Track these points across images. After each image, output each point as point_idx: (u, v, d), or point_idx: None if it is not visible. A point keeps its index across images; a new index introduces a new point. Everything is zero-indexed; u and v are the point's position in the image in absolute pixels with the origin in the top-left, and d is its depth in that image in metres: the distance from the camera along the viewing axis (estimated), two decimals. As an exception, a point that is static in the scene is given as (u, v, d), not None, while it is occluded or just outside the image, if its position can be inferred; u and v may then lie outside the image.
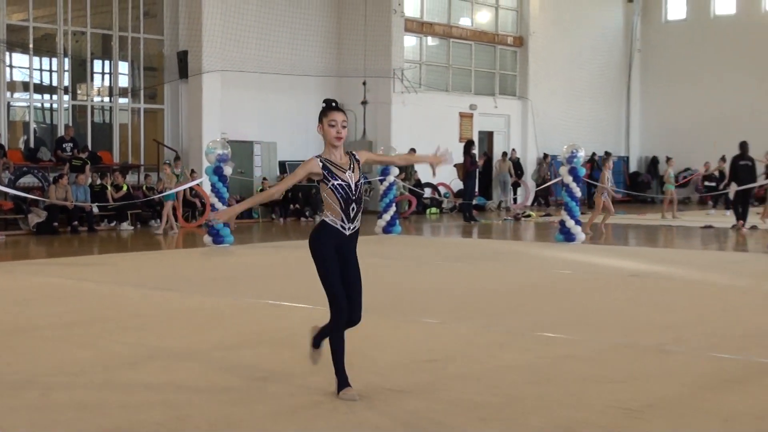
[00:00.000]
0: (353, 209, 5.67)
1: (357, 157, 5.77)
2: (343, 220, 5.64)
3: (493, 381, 6.17)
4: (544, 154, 32.30)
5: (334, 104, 5.69)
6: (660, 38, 37.55)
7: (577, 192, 17.34)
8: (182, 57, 24.13)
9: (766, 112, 34.13)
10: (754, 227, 20.34)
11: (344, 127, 5.63)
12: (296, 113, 26.83)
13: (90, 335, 7.90)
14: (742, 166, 21.12)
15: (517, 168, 30.51)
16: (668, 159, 26.42)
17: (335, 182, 5.60)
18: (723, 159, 26.26)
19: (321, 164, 5.61)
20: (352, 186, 5.65)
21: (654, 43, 37.66)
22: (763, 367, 6.62)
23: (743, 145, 21.29)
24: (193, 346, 7.42)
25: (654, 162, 37.15)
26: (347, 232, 5.68)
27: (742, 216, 20.43)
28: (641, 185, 35.74)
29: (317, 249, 5.67)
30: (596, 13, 36.33)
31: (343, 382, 5.64)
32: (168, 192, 19.92)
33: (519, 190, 31.16)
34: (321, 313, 8.92)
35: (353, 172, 5.68)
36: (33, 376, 6.32)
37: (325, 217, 5.68)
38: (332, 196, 5.61)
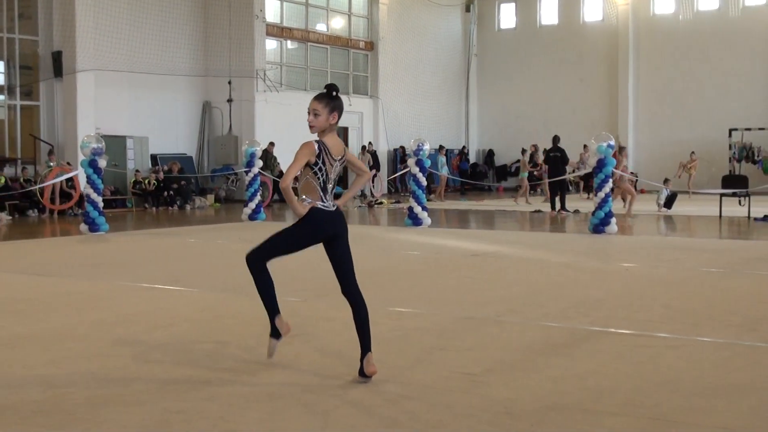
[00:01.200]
0: (330, 189, 5.40)
1: (346, 151, 5.55)
2: (321, 199, 5.35)
3: (350, 353, 6.16)
4: (363, 145, 32.36)
5: (326, 89, 5.38)
6: (494, 44, 38.34)
7: (423, 181, 17.56)
8: (56, 57, 23.30)
9: (584, 108, 35.46)
10: (576, 211, 20.96)
11: (316, 115, 5.32)
12: (167, 109, 26.29)
13: (-30, 320, 7.54)
14: (552, 158, 21.76)
15: (375, 159, 30.64)
16: (523, 150, 26.84)
17: (324, 166, 5.32)
18: (524, 151, 26.78)
19: (318, 149, 5.30)
20: (334, 172, 5.41)
21: (488, 48, 38.43)
22: (585, 333, 6.84)
23: (555, 139, 21.95)
24: (72, 327, 7.17)
25: (490, 154, 37.98)
26: (332, 208, 5.39)
27: (560, 203, 20.95)
28: (479, 175, 36.47)
29: (304, 223, 5.35)
30: (438, 21, 36.82)
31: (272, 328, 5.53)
32: None
33: (375, 180, 31.32)
34: (193, 296, 8.79)
35: (341, 163, 5.46)
36: None
37: (302, 200, 5.36)
38: (315, 177, 5.31)
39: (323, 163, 5.33)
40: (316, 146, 5.32)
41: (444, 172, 27.81)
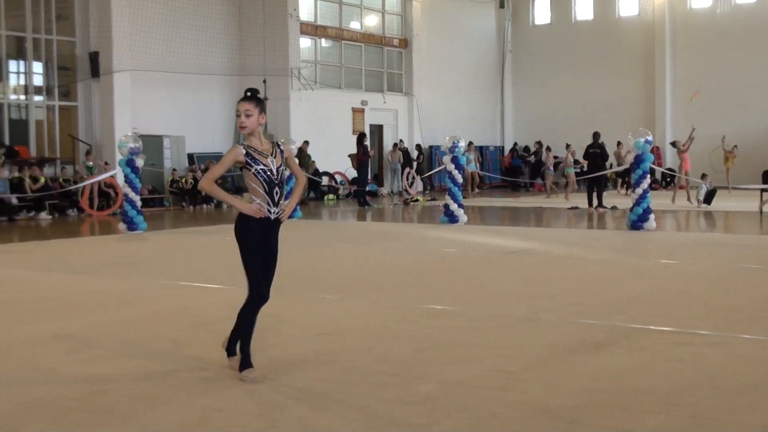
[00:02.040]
0: (276, 193, 5.47)
1: (281, 147, 5.60)
2: (268, 203, 5.43)
3: (386, 350, 6.18)
4: (394, 143, 32.41)
5: (248, 93, 5.49)
6: (528, 40, 38.15)
7: (459, 178, 17.50)
8: (94, 57, 23.55)
9: (619, 104, 35.17)
10: (614, 208, 20.78)
11: (248, 116, 5.39)
12: (203, 109, 26.46)
13: (6, 318, 7.64)
14: (591, 154, 21.56)
15: (407, 157, 30.65)
16: (568, 146, 26.55)
17: (258, 167, 5.39)
18: (568, 146, 26.52)
19: (244, 151, 5.39)
20: (275, 171, 5.46)
21: (523, 44, 38.25)
22: (623, 330, 6.78)
23: (595, 135, 21.72)
24: (109, 324, 7.25)
25: (526, 150, 37.79)
26: (272, 216, 5.47)
27: (598, 199, 20.78)
28: (515, 171, 36.28)
29: (242, 232, 5.42)
30: (472, 17, 36.70)
31: (246, 361, 5.42)
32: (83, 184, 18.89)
33: (409, 177, 31.32)
34: (231, 294, 8.84)
35: (275, 157, 5.48)
36: (-43, 359, 6.09)
37: (251, 202, 5.45)
38: (256, 180, 5.39)
39: (254, 162, 5.40)
40: (241, 148, 5.41)
41: (471, 168, 27.62)
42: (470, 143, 29.12)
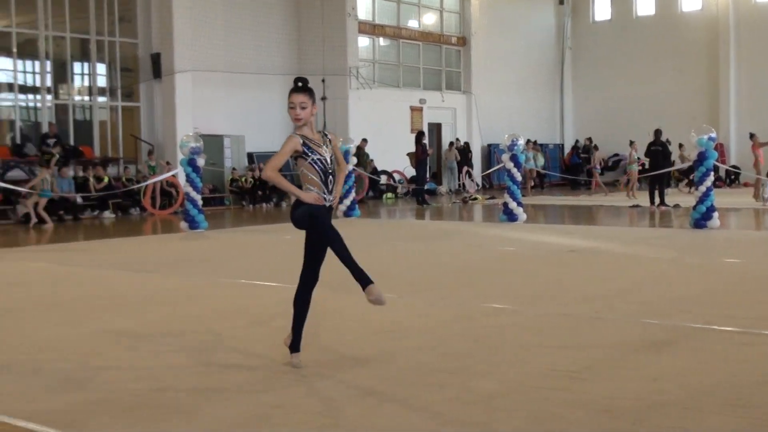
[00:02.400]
0: (330, 181, 5.54)
1: (329, 136, 5.68)
2: (323, 192, 5.49)
3: (446, 349, 6.18)
4: (450, 142, 32.16)
5: (300, 84, 5.49)
6: (588, 37, 37.78)
7: (518, 176, 17.40)
8: (155, 58, 23.91)
9: (682, 101, 34.59)
10: (677, 206, 20.47)
11: (303, 108, 5.43)
12: (262, 108, 26.69)
13: (74, 315, 7.80)
14: (653, 152, 21.16)
15: (464, 155, 30.55)
16: (631, 142, 26.11)
17: (314, 156, 5.46)
18: (632, 143, 26.02)
19: (301, 141, 5.45)
20: (328, 160, 5.53)
21: (583, 41, 37.88)
22: (686, 330, 6.69)
23: (656, 132, 21.33)
24: (172, 321, 7.36)
25: (586, 149, 37.40)
26: (327, 203, 5.53)
27: (660, 197, 20.42)
28: (575, 169, 35.95)
29: (318, 218, 5.42)
30: (531, 14, 36.46)
31: (295, 345, 5.61)
32: (45, 190, 18.80)
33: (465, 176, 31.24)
34: (289, 292, 8.90)
35: (327, 147, 5.56)
36: (21, 354, 6.24)
37: (307, 191, 5.49)
38: (312, 170, 5.45)
39: (311, 151, 5.46)
40: (298, 138, 5.45)
41: (530, 166, 27.28)
42: (531, 141, 28.84)
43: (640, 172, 24.97)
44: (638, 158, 25.09)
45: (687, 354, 5.94)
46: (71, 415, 4.77)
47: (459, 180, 28.75)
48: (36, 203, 18.54)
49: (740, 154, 33.19)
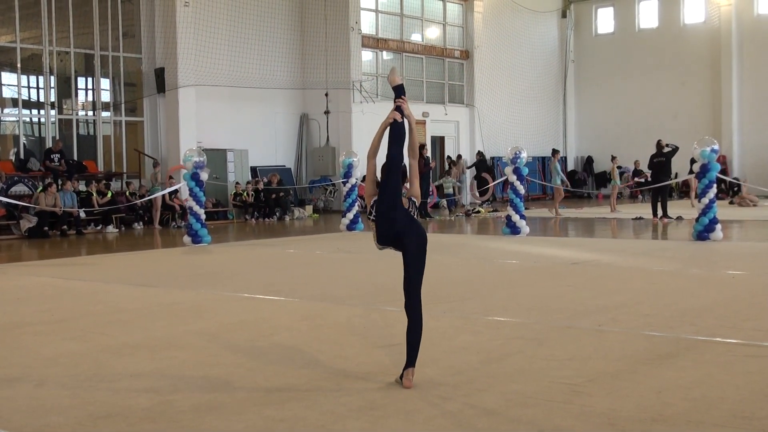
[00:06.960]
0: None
1: None
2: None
3: (450, 362, 6.17)
4: (458, 155, 32.18)
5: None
6: (591, 50, 37.83)
7: (521, 189, 17.39)
8: (159, 73, 23.98)
9: (685, 113, 34.64)
10: (679, 218, 20.43)
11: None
12: (266, 122, 26.76)
13: (79, 329, 7.80)
14: (656, 163, 20.95)
15: (482, 163, 30.61)
16: (613, 157, 26.29)
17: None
18: (613, 158, 26.26)
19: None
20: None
21: (586, 54, 37.94)
22: (690, 343, 6.68)
23: (659, 144, 21.16)
24: (176, 336, 7.36)
25: (589, 161, 37.47)
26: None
27: (662, 209, 20.33)
28: (578, 182, 36.01)
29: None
30: (534, 28, 36.52)
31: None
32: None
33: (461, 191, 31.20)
34: (293, 306, 8.90)
35: None
36: (27, 369, 6.23)
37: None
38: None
39: None
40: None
41: (559, 181, 24.51)
42: (557, 151, 26.99)
43: (642, 184, 25.05)
44: (640, 171, 25.15)
45: (691, 366, 5.92)
46: (76, 429, 4.77)
47: (473, 191, 28.51)
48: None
49: (744, 165, 33.19)
